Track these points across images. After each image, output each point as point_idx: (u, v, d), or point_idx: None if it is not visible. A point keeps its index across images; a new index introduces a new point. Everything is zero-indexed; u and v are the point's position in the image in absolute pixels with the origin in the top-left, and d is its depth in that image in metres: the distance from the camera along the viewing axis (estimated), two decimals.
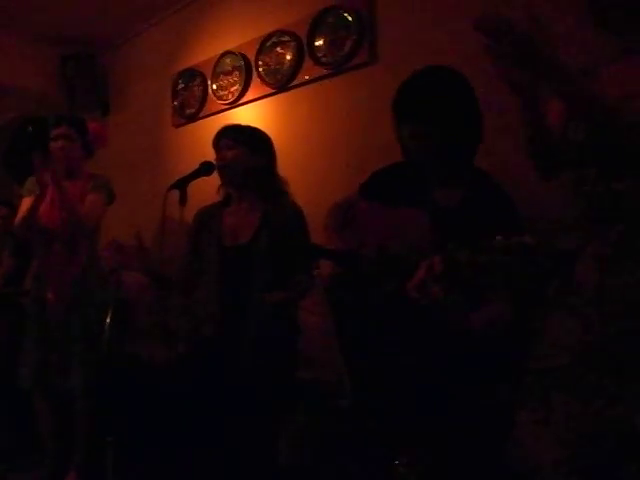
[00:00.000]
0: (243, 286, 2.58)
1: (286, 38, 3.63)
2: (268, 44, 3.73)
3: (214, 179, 2.72)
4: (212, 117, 4.11)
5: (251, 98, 3.87)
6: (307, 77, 3.52)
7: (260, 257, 2.59)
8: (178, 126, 4.42)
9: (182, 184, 2.50)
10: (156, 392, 2.99)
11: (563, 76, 1.46)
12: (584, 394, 1.46)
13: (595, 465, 1.44)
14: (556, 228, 1.69)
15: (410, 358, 1.86)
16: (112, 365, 2.73)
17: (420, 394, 1.85)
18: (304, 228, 2.69)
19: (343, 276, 2.15)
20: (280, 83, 3.66)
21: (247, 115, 3.82)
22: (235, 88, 3.93)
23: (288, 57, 3.60)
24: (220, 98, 4.04)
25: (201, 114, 4.22)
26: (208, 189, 2.81)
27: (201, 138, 3.89)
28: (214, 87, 4.08)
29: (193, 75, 4.28)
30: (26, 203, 3.01)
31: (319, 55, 3.44)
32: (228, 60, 3.99)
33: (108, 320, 2.65)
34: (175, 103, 4.40)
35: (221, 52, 4.03)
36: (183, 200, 2.46)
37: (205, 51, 4.22)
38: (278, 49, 3.68)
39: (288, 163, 2.99)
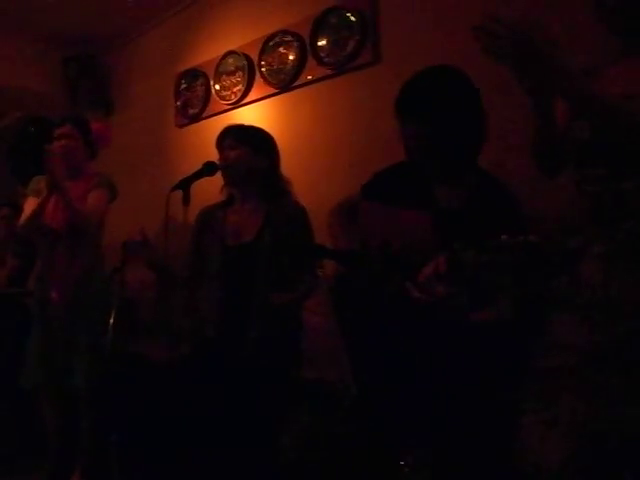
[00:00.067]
0: (246, 285, 2.59)
1: (289, 38, 3.63)
2: (271, 44, 3.73)
3: (217, 179, 2.72)
4: (215, 117, 4.12)
5: (254, 98, 3.87)
6: (310, 77, 3.52)
7: (263, 256, 2.59)
8: (181, 126, 4.43)
9: (185, 184, 2.50)
10: (160, 391, 2.99)
11: (566, 76, 1.46)
12: (590, 394, 1.46)
13: (601, 466, 1.43)
14: (561, 228, 1.69)
15: (414, 358, 1.86)
16: (116, 365, 2.74)
17: (425, 394, 1.85)
18: (307, 228, 2.69)
19: (346, 276, 2.15)
20: (283, 83, 3.66)
21: (250, 115, 3.82)
22: (238, 88, 3.93)
23: (291, 57, 3.60)
24: (223, 98, 4.04)
25: (204, 114, 4.22)
26: (211, 189, 2.81)
27: (204, 138, 3.89)
28: (217, 87, 4.08)
29: (196, 75, 4.28)
30: (31, 203, 3.01)
31: (322, 55, 3.44)
32: (231, 60, 3.99)
33: (111, 320, 2.66)
34: (178, 103, 4.41)
35: (224, 52, 4.03)
36: (186, 200, 2.47)
37: (208, 51, 4.23)
38: (281, 49, 3.68)
39: (291, 163, 2.99)
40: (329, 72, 3.43)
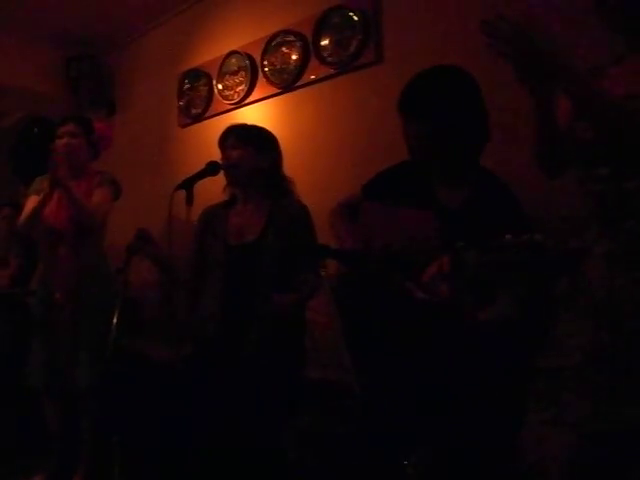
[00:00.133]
0: (249, 285, 2.58)
1: (292, 38, 3.62)
2: (274, 44, 3.73)
3: (220, 179, 2.72)
4: (218, 117, 4.11)
5: (257, 98, 3.87)
6: (313, 77, 3.52)
7: (266, 256, 2.59)
8: (184, 126, 4.42)
9: (188, 184, 2.50)
10: (162, 392, 2.99)
11: (571, 75, 1.46)
12: (594, 394, 1.45)
13: (604, 466, 1.43)
14: (566, 227, 1.68)
15: (417, 357, 1.86)
16: (118, 365, 2.73)
17: (428, 393, 1.85)
18: (310, 228, 2.69)
19: (349, 276, 2.15)
20: (286, 83, 3.65)
21: (253, 115, 3.82)
22: (241, 88, 3.93)
23: (294, 57, 3.60)
24: (226, 98, 4.04)
25: (207, 114, 4.22)
26: (214, 189, 2.81)
27: (207, 138, 3.90)
28: (220, 87, 4.08)
29: (199, 75, 4.28)
30: (32, 201, 3.01)
31: (325, 55, 3.44)
32: (234, 60, 3.99)
33: (114, 319, 2.65)
34: (181, 103, 4.41)
35: (227, 52, 4.03)
36: (190, 200, 2.46)
37: (211, 51, 4.23)
38: (284, 49, 3.67)
39: (294, 163, 2.99)
40: (332, 72, 3.42)
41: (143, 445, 2.93)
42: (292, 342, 2.62)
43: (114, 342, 2.62)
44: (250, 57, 3.87)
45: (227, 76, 4.03)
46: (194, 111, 4.31)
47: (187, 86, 4.37)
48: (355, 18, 3.28)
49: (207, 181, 2.60)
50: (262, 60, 3.78)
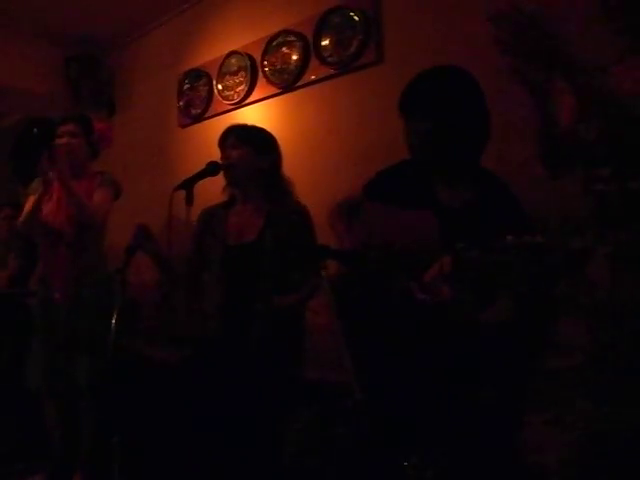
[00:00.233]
0: (248, 285, 2.58)
1: (292, 38, 3.62)
2: (274, 44, 3.72)
3: (220, 179, 2.71)
4: (218, 117, 4.11)
5: (257, 98, 3.86)
6: (313, 77, 3.52)
7: (265, 256, 2.58)
8: (184, 126, 4.42)
9: (188, 184, 2.49)
10: (161, 392, 2.99)
11: (578, 72, 1.46)
12: (595, 394, 1.45)
13: (605, 466, 1.42)
14: (568, 228, 1.68)
15: (418, 358, 1.85)
16: (118, 365, 2.73)
17: (428, 394, 1.84)
18: (309, 228, 2.68)
19: (349, 276, 2.14)
20: (286, 83, 3.65)
21: (253, 115, 3.81)
22: (241, 88, 3.93)
23: (294, 57, 3.60)
24: (226, 98, 4.04)
25: (207, 114, 4.22)
26: (214, 189, 2.80)
27: (207, 138, 3.89)
28: (220, 87, 4.08)
29: (199, 75, 4.28)
30: (30, 202, 3.01)
31: (325, 55, 3.44)
32: (234, 60, 3.99)
33: (114, 320, 2.65)
34: (181, 103, 4.41)
35: (227, 52, 4.03)
36: (190, 200, 2.46)
37: (211, 51, 4.22)
38: (284, 49, 3.67)
39: (294, 163, 2.98)
40: (332, 72, 3.42)
41: (143, 445, 2.93)
42: (291, 342, 2.61)
43: (114, 342, 2.62)
44: (250, 57, 3.87)
45: (227, 76, 4.03)
46: (194, 111, 4.31)
47: (187, 86, 4.37)
48: (356, 18, 3.28)
49: (207, 181, 2.59)
50: (262, 60, 3.78)
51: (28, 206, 3.00)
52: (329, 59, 3.42)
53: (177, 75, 4.44)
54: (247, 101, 3.92)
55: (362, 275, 2.06)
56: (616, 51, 1.64)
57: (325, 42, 3.44)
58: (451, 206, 2.03)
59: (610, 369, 1.46)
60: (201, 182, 2.54)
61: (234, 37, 4.03)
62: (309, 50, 3.52)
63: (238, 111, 3.98)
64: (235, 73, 3.97)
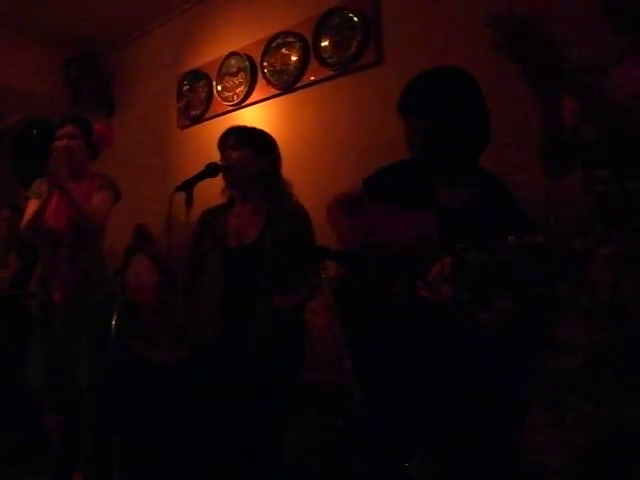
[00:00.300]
0: (248, 287, 2.57)
1: (291, 39, 3.62)
2: (273, 45, 3.73)
3: (219, 180, 2.71)
4: (217, 118, 4.11)
5: (256, 99, 3.86)
6: (313, 78, 3.52)
7: (265, 257, 2.58)
8: (183, 127, 4.42)
9: (188, 186, 2.49)
10: (162, 393, 2.99)
11: (575, 75, 1.45)
12: (596, 396, 1.45)
13: (607, 467, 1.42)
14: (569, 228, 1.68)
15: (418, 358, 1.85)
16: (117, 366, 2.73)
17: (429, 395, 1.84)
18: (309, 229, 2.68)
19: (349, 277, 2.14)
20: (286, 84, 3.65)
21: (252, 116, 3.81)
22: (240, 89, 3.93)
23: (293, 58, 3.60)
24: (225, 99, 4.04)
25: (206, 115, 4.22)
26: (213, 191, 2.80)
27: (206, 139, 3.89)
28: (219, 88, 4.08)
29: (198, 76, 4.28)
30: (32, 205, 3.00)
31: (325, 56, 3.44)
32: (233, 61, 3.99)
33: (113, 321, 2.65)
34: (180, 104, 4.41)
35: (226, 53, 4.03)
36: (189, 202, 2.45)
37: (210, 52, 4.22)
38: (283, 50, 3.67)
39: (294, 164, 2.98)
40: (332, 73, 3.42)
41: (143, 445, 2.93)
42: (291, 344, 2.61)
43: (113, 343, 2.62)
44: (250, 58, 3.87)
45: (227, 77, 4.03)
46: (193, 112, 4.31)
47: (186, 87, 4.37)
48: (355, 19, 3.28)
49: (206, 183, 2.59)
50: (262, 61, 3.78)
51: (29, 211, 3.00)
52: (329, 60, 3.42)
53: (177, 76, 4.44)
54: (247, 102, 3.92)
55: (362, 276, 2.06)
56: (616, 51, 1.64)
57: (324, 43, 3.44)
58: (450, 206, 2.03)
59: (611, 370, 1.45)
60: (200, 183, 2.54)
61: (233, 38, 4.03)
62: (309, 51, 3.52)
63: (238, 112, 3.98)
64: (235, 74, 3.97)
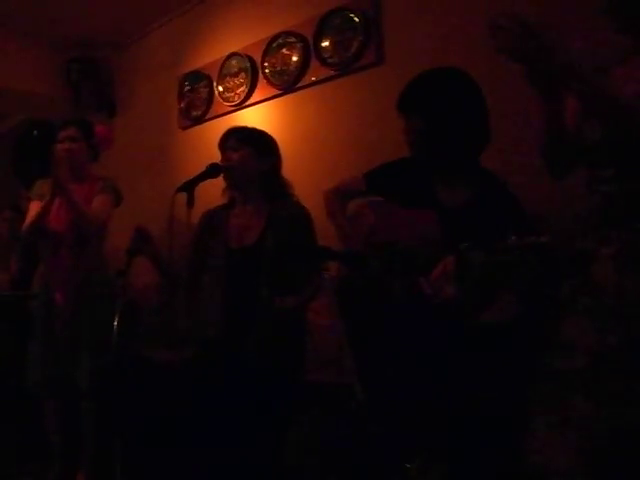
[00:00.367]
0: (249, 287, 2.58)
1: (292, 39, 3.62)
2: (274, 45, 3.72)
3: (220, 181, 2.71)
4: (218, 119, 4.11)
5: (257, 100, 3.86)
6: (314, 78, 3.52)
7: (266, 258, 2.58)
8: (184, 128, 4.42)
9: (189, 186, 2.49)
10: (163, 393, 2.99)
11: (577, 75, 1.45)
12: (600, 397, 1.45)
13: (611, 469, 1.42)
14: (572, 228, 1.68)
15: (420, 358, 1.85)
16: (119, 366, 2.73)
17: (432, 395, 1.84)
18: (310, 230, 2.68)
19: (350, 277, 2.14)
20: (286, 84, 3.65)
21: (253, 117, 3.81)
22: (241, 90, 3.93)
23: (294, 58, 3.60)
24: (226, 100, 4.04)
25: (207, 116, 4.22)
26: (214, 191, 2.80)
27: (207, 140, 3.89)
28: (220, 89, 4.08)
29: (199, 77, 4.28)
30: (34, 207, 3.01)
31: (325, 56, 3.44)
32: (234, 62, 3.99)
33: (115, 322, 2.65)
34: (181, 105, 4.40)
35: (227, 54, 4.03)
36: (190, 202, 2.45)
37: (211, 53, 4.22)
38: (284, 50, 3.67)
39: (295, 164, 2.98)
40: (333, 73, 3.42)
41: (144, 446, 2.93)
42: (293, 344, 2.61)
43: (115, 344, 2.62)
44: (250, 59, 3.87)
45: (227, 78, 4.03)
46: (194, 113, 4.30)
47: (187, 88, 4.37)
48: (356, 19, 3.27)
49: (207, 183, 2.59)
50: (263, 62, 3.78)
51: (32, 212, 3.00)
52: (329, 60, 3.42)
53: (177, 77, 4.44)
54: (247, 103, 3.91)
55: (363, 276, 2.06)
56: (618, 51, 1.64)
57: (325, 43, 3.44)
58: (451, 206, 2.03)
59: (613, 370, 1.45)
60: (202, 184, 2.54)
61: (234, 39, 4.03)
62: (309, 51, 3.51)
63: (238, 113, 3.98)
64: (235, 75, 3.97)
